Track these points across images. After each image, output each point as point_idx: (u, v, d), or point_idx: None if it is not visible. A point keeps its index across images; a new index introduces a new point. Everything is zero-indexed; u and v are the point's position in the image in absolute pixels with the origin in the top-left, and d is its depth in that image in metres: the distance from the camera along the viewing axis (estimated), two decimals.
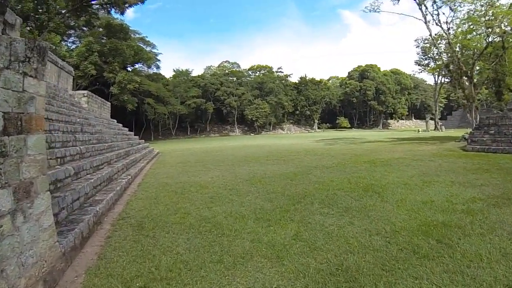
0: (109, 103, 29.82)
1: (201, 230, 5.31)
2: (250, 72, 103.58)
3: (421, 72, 71.38)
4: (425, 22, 31.95)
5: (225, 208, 6.67)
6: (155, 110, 71.42)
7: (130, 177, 10.60)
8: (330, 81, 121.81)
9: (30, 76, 3.97)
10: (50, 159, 7.27)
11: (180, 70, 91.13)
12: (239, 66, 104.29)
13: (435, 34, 35.90)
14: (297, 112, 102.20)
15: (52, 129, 9.67)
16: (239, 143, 39.38)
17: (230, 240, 4.82)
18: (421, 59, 65.91)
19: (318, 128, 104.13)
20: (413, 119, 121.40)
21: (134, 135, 27.47)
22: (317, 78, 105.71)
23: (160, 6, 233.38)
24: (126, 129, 26.67)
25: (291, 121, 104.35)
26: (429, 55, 60.20)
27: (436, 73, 63.72)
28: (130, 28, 63.55)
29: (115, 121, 26.19)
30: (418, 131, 59.28)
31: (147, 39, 71.78)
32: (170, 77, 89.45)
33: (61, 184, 6.54)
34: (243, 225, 5.53)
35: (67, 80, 23.10)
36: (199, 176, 11.44)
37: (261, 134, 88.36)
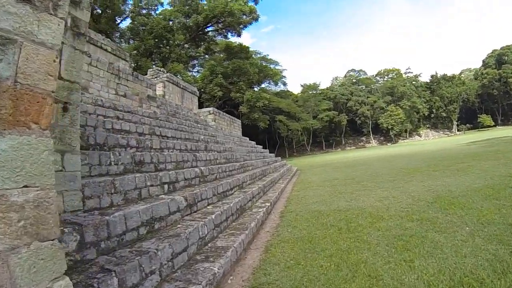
0: (239, 121, 28.82)
1: None
2: (378, 78, 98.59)
3: None
4: None
5: (436, 264, 3.49)
6: (287, 127, 72.00)
7: (268, 204, 8.02)
8: (463, 75, 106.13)
9: None
10: (151, 186, 5.15)
11: (308, 84, 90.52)
12: (365, 73, 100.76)
13: None
14: (432, 115, 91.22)
15: (164, 147, 7.86)
16: (381, 153, 35.59)
17: None
18: None
19: (458, 130, 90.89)
20: None
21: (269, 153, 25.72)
22: (448, 74, 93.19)
23: (273, 28, 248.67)
24: (260, 146, 25.14)
25: (427, 125, 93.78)
26: None
27: None
28: (250, 49, 64.31)
29: (247, 138, 24.85)
30: None
31: (268, 57, 72.10)
32: (299, 93, 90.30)
33: (161, 224, 4.29)
34: None
35: (191, 100, 22.72)
36: (360, 198, 8.31)
37: (398, 142, 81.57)
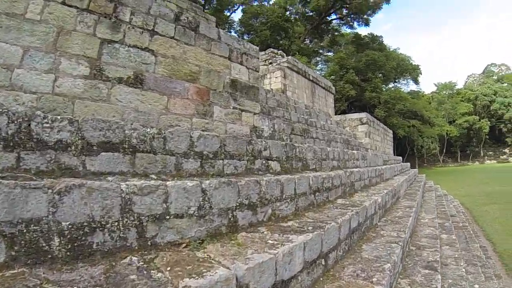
0: (391, 132, 20.30)
1: None
2: None
3: None
4: None
5: None
6: (421, 133, 61.41)
7: None
8: None
9: None
10: None
11: (443, 83, 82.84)
12: (508, 68, 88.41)
13: None
14: None
15: None
16: None
17: None
18: None
19: None
20: None
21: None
22: None
23: (391, 26, 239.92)
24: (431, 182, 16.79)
25: None
26: None
27: None
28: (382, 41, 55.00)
29: (401, 158, 16.63)
30: None
31: (399, 51, 60.79)
32: (429, 94, 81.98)
33: None
34: None
35: (325, 100, 15.14)
36: None
37: None
